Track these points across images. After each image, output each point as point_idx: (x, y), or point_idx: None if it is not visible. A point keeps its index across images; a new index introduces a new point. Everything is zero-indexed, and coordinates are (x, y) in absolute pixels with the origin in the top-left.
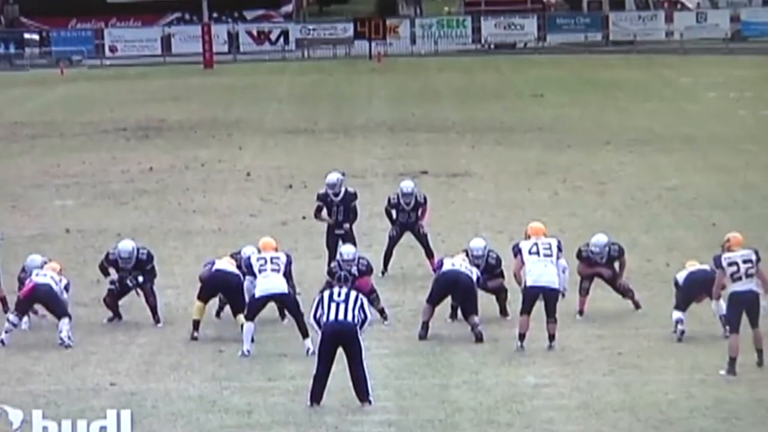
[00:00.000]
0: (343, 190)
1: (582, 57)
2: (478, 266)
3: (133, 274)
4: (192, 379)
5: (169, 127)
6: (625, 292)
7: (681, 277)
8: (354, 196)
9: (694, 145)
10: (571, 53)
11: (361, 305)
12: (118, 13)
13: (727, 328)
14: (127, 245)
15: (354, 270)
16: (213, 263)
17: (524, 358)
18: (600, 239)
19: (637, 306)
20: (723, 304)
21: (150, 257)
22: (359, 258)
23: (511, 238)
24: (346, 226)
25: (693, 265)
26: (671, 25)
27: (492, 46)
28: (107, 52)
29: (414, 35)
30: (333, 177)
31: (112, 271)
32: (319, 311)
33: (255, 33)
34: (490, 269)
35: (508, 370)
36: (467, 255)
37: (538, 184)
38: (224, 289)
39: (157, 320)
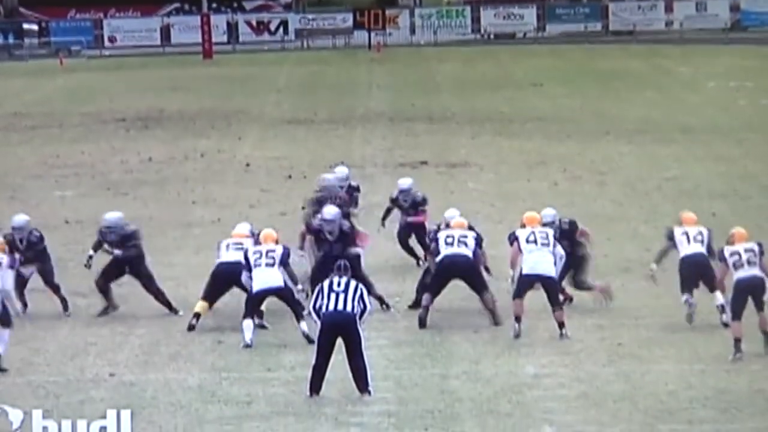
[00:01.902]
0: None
1: (581, 47)
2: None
3: (27, 255)
4: (191, 370)
5: (169, 118)
6: (580, 285)
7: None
8: (347, 199)
9: (694, 135)
10: (571, 43)
11: (361, 295)
12: (118, 4)
13: (724, 315)
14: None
15: (336, 229)
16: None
17: (524, 348)
18: (548, 212)
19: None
20: (719, 296)
21: (41, 238)
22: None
23: (511, 228)
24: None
25: (688, 218)
26: (671, 15)
27: (491, 36)
28: (106, 43)
29: (413, 25)
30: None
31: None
32: (319, 301)
33: (254, 23)
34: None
35: (507, 361)
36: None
37: (537, 174)
38: (233, 281)
39: (65, 308)
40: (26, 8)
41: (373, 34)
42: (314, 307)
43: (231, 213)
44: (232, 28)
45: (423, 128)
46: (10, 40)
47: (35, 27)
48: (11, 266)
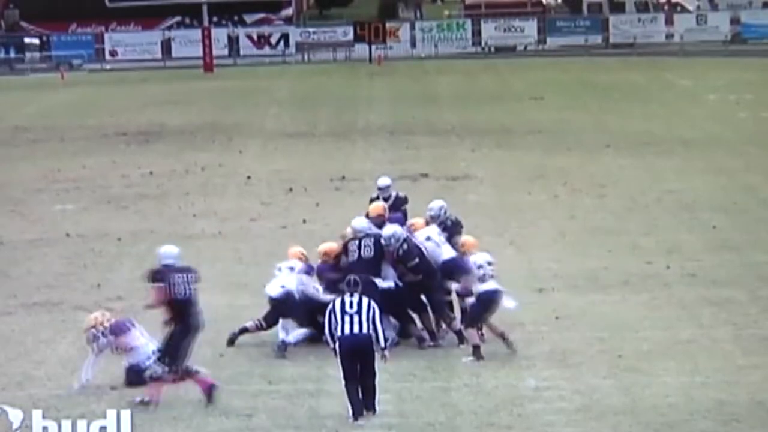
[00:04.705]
0: (393, 194)
1: (582, 60)
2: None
3: None
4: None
5: (170, 132)
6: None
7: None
8: (405, 200)
9: (694, 147)
10: (571, 56)
11: (374, 316)
12: (119, 18)
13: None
14: None
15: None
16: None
17: (524, 361)
18: (434, 204)
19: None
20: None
21: None
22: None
23: (511, 241)
24: None
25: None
26: (671, 28)
27: (492, 49)
28: (107, 57)
29: (414, 38)
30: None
31: None
32: (333, 324)
33: (255, 37)
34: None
35: (508, 373)
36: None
37: (538, 187)
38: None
39: None
40: (27, 22)
41: (373, 47)
42: (329, 331)
43: (232, 226)
44: (232, 42)
45: (423, 141)
46: (12, 54)
47: (36, 41)
48: (307, 272)
